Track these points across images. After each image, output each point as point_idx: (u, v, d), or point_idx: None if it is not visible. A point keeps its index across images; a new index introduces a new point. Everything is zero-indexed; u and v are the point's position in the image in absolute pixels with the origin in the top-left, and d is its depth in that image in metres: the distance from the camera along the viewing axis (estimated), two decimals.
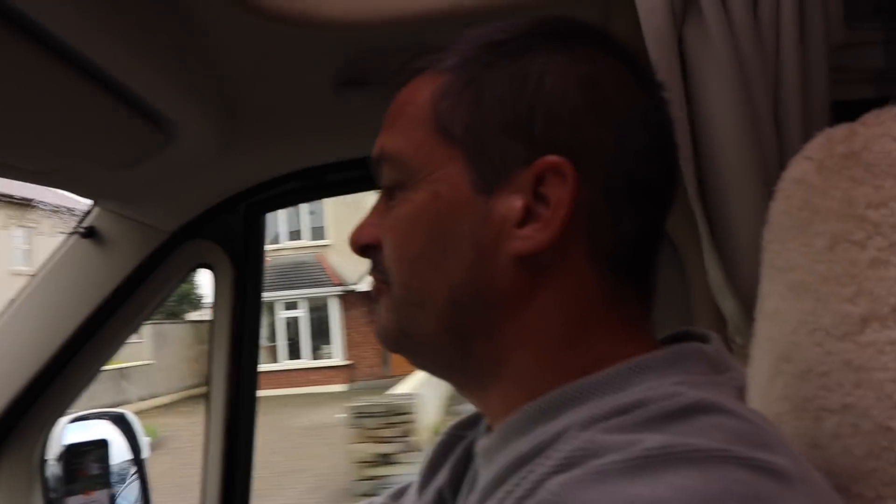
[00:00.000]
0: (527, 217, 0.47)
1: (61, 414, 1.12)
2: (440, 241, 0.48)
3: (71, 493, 1.05)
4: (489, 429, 0.53)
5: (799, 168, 0.65)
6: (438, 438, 0.62)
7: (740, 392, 0.47)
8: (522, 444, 0.45)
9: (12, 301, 1.08)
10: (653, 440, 0.38)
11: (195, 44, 0.81)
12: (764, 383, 0.64)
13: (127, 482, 1.21)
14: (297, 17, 0.81)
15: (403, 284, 0.50)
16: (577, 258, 0.47)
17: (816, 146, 0.64)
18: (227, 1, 0.73)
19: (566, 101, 0.47)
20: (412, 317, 0.50)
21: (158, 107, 0.81)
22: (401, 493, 0.68)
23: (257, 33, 0.84)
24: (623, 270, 0.49)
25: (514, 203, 0.47)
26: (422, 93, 0.51)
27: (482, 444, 0.51)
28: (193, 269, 1.16)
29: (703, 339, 0.51)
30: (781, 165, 0.76)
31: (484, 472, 0.50)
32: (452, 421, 0.63)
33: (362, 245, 0.54)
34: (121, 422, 1.29)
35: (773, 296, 0.66)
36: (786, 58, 0.79)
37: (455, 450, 0.60)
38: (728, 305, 0.84)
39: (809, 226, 0.60)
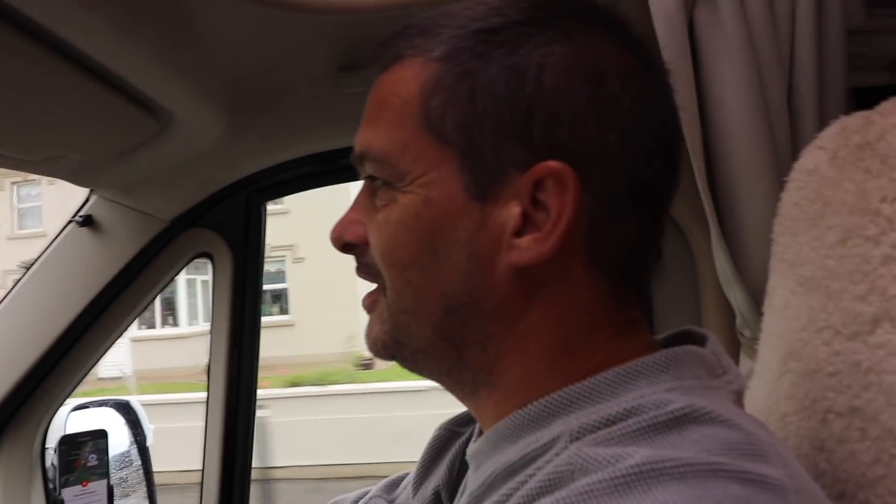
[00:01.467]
0: (524, 225, 0.44)
1: (61, 402, 1.12)
2: (432, 249, 0.45)
3: (67, 483, 1.05)
4: (480, 432, 0.52)
5: (812, 158, 0.62)
6: (435, 434, 0.61)
7: (738, 396, 0.45)
8: (511, 452, 0.44)
9: (10, 289, 1.08)
10: (639, 455, 0.36)
11: (191, 31, 0.79)
12: (771, 381, 0.62)
13: (129, 470, 1.21)
14: (297, 2, 0.79)
15: (395, 290, 0.48)
16: (575, 266, 0.44)
17: (830, 135, 0.61)
18: None
19: (567, 99, 0.43)
20: (405, 324, 0.48)
21: (153, 96, 0.80)
22: (394, 485, 0.67)
23: (255, 18, 0.81)
24: (622, 274, 0.46)
25: (512, 210, 0.44)
26: (407, 84, 0.46)
27: (472, 447, 0.49)
28: (193, 258, 1.15)
29: (702, 339, 0.48)
30: (794, 155, 0.73)
31: (472, 477, 0.48)
32: (449, 417, 0.62)
33: (345, 242, 0.51)
34: (125, 409, 1.28)
35: (782, 290, 0.63)
36: (801, 42, 0.76)
37: (451, 446, 0.59)
38: (737, 298, 0.82)
39: (821, 219, 0.58)
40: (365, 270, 0.50)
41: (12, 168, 0.89)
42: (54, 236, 1.08)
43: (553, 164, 0.42)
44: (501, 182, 0.44)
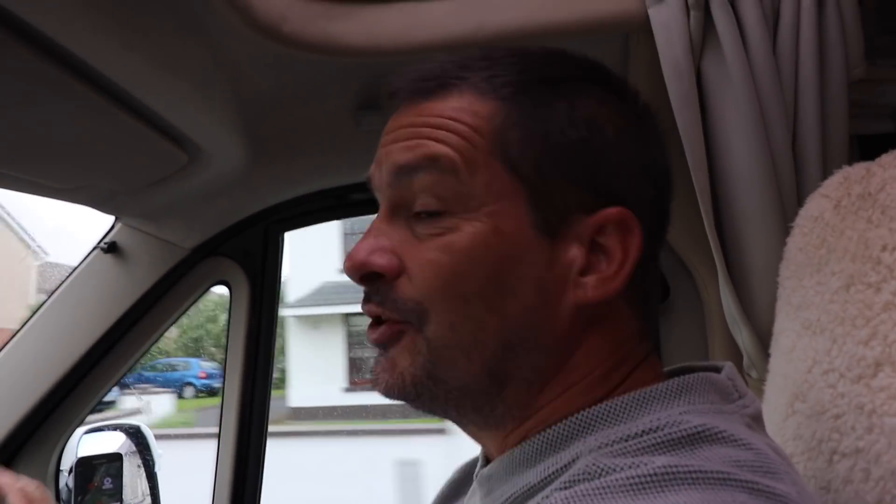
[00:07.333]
0: (587, 265, 0.46)
1: (77, 425, 1.14)
2: (499, 281, 0.45)
3: None
4: (486, 457, 0.53)
5: (816, 205, 0.64)
6: (451, 476, 0.62)
7: (754, 420, 0.46)
8: (531, 476, 0.45)
9: (34, 312, 1.11)
10: (659, 461, 0.38)
11: (221, 69, 0.82)
12: (778, 421, 0.64)
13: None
14: (320, 43, 0.82)
15: (448, 324, 0.45)
16: (620, 302, 0.48)
17: (834, 184, 0.63)
18: (252, 28, 0.74)
19: (622, 152, 0.48)
20: (451, 360, 0.46)
21: (184, 129, 0.83)
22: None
23: (281, 59, 0.85)
24: (648, 307, 0.50)
25: (578, 250, 0.46)
26: (474, 114, 0.46)
27: (483, 472, 0.50)
28: (211, 286, 1.18)
29: (716, 369, 0.50)
30: (799, 201, 0.76)
31: (485, 501, 0.49)
32: (465, 460, 0.63)
33: (370, 272, 0.47)
34: (135, 434, 1.30)
35: (788, 333, 0.65)
36: (804, 92, 0.79)
37: (465, 488, 0.60)
38: (743, 339, 0.83)
39: (826, 265, 0.60)
40: (391, 306, 0.47)
41: (44, 196, 0.93)
42: (79, 262, 1.11)
43: (617, 210, 0.46)
44: (568, 222, 0.46)
